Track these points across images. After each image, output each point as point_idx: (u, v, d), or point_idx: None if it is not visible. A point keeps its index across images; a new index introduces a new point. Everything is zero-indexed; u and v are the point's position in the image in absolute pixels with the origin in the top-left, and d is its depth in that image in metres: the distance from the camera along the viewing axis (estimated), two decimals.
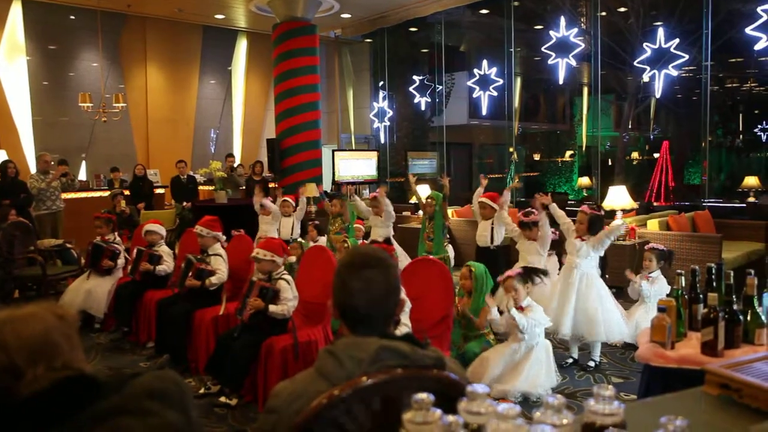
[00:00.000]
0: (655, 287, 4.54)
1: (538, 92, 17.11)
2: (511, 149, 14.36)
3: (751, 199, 10.19)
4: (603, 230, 4.33)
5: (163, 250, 5.41)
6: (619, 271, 5.32)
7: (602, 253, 4.46)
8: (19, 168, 8.34)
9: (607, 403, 0.99)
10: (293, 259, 4.70)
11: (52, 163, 8.56)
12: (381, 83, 14.18)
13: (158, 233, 5.46)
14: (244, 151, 13.73)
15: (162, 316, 4.71)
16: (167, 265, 5.32)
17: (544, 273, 4.02)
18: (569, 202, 12.98)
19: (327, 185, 11.59)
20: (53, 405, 1.05)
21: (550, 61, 9.54)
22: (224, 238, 5.12)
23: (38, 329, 1.13)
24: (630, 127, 15.33)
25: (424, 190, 9.60)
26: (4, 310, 1.16)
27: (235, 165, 11.21)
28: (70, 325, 1.20)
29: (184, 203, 9.67)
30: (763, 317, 2.54)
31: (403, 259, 5.80)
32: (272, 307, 3.81)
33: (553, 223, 4.74)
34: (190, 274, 4.63)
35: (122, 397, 1.11)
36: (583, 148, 16.73)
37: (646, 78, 8.71)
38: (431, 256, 4.94)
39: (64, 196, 8.60)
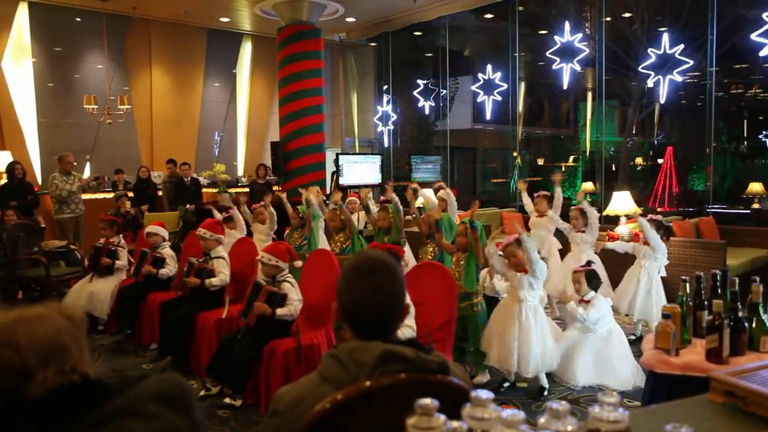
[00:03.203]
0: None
1: (542, 97, 17.08)
2: (514, 154, 14.35)
3: (756, 206, 10.15)
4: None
5: (167, 252, 5.43)
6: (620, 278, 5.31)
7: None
8: (25, 169, 8.37)
9: (612, 409, 0.99)
10: (299, 263, 4.70)
11: (75, 164, 8.57)
12: (385, 87, 14.18)
13: (159, 235, 5.48)
14: (248, 153, 13.75)
15: (165, 319, 4.72)
16: (170, 269, 5.33)
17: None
18: (572, 207, 12.91)
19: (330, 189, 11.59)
20: (59, 407, 1.05)
21: (554, 66, 9.53)
22: (225, 240, 5.13)
23: (50, 330, 1.12)
24: (634, 132, 15.30)
25: (429, 194, 9.55)
26: (13, 311, 1.15)
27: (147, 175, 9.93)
28: (79, 326, 1.19)
29: (188, 206, 9.69)
30: None
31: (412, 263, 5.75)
32: (279, 311, 3.82)
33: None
34: (191, 272, 4.65)
35: (127, 399, 1.11)
36: (587, 153, 16.69)
37: (650, 83, 8.69)
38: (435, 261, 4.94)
39: None
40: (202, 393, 4.06)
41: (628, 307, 5.10)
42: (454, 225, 4.95)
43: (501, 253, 4.10)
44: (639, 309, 4.99)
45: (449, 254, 4.53)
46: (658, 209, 11.98)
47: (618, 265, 5.52)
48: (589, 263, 4.40)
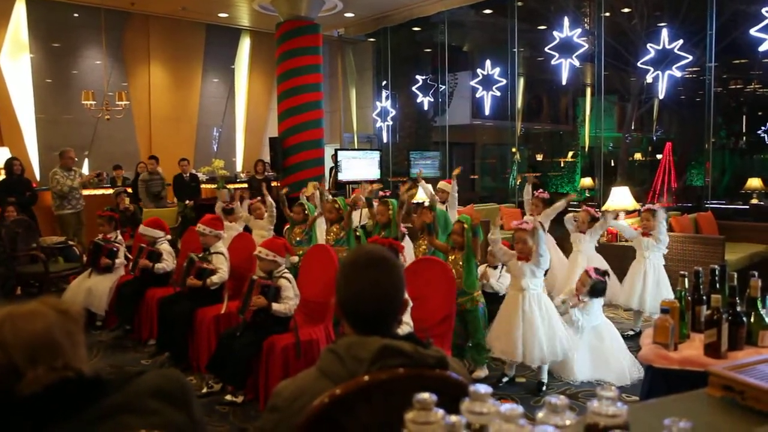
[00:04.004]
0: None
1: (541, 92, 17.07)
2: (513, 149, 14.34)
3: (755, 201, 10.16)
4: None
5: (164, 248, 5.41)
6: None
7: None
8: (23, 165, 8.35)
9: (610, 404, 0.99)
10: (296, 259, 4.70)
11: (77, 159, 8.53)
12: (384, 82, 14.17)
13: (150, 236, 5.42)
14: (247, 149, 13.74)
15: (163, 314, 4.72)
16: (166, 264, 5.32)
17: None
18: (572, 203, 12.91)
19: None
20: (54, 405, 1.05)
21: (553, 62, 9.52)
22: (225, 235, 5.12)
23: (39, 327, 1.11)
24: (633, 128, 15.30)
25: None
26: (5, 307, 1.14)
27: (153, 170, 9.52)
28: (74, 321, 1.18)
29: (187, 201, 9.68)
30: (767, 319, 2.53)
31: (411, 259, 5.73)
32: (275, 305, 3.82)
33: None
34: (192, 273, 4.64)
35: (126, 395, 1.11)
36: (586, 149, 16.70)
37: (649, 79, 8.68)
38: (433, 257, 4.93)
39: None
40: (205, 390, 4.05)
41: (638, 303, 5.04)
42: (449, 222, 4.93)
43: (511, 233, 4.17)
44: (650, 304, 4.94)
45: (443, 253, 4.52)
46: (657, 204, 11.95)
47: (619, 259, 5.53)
48: (605, 273, 4.37)
